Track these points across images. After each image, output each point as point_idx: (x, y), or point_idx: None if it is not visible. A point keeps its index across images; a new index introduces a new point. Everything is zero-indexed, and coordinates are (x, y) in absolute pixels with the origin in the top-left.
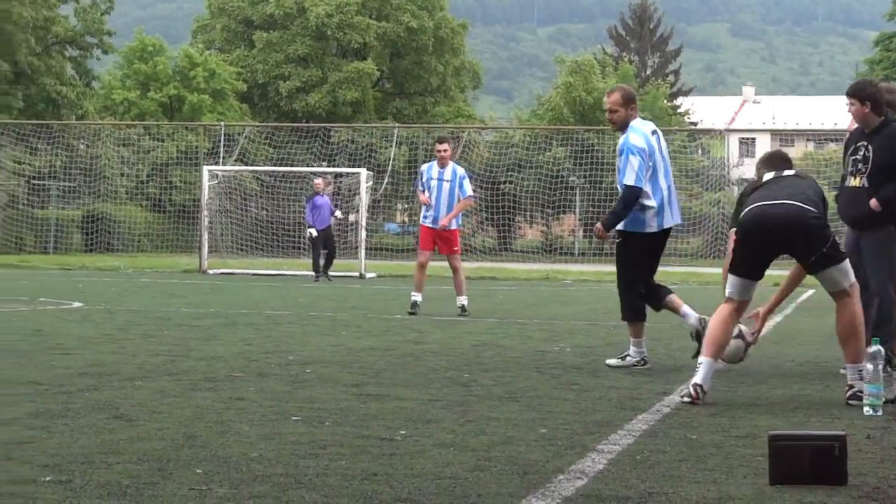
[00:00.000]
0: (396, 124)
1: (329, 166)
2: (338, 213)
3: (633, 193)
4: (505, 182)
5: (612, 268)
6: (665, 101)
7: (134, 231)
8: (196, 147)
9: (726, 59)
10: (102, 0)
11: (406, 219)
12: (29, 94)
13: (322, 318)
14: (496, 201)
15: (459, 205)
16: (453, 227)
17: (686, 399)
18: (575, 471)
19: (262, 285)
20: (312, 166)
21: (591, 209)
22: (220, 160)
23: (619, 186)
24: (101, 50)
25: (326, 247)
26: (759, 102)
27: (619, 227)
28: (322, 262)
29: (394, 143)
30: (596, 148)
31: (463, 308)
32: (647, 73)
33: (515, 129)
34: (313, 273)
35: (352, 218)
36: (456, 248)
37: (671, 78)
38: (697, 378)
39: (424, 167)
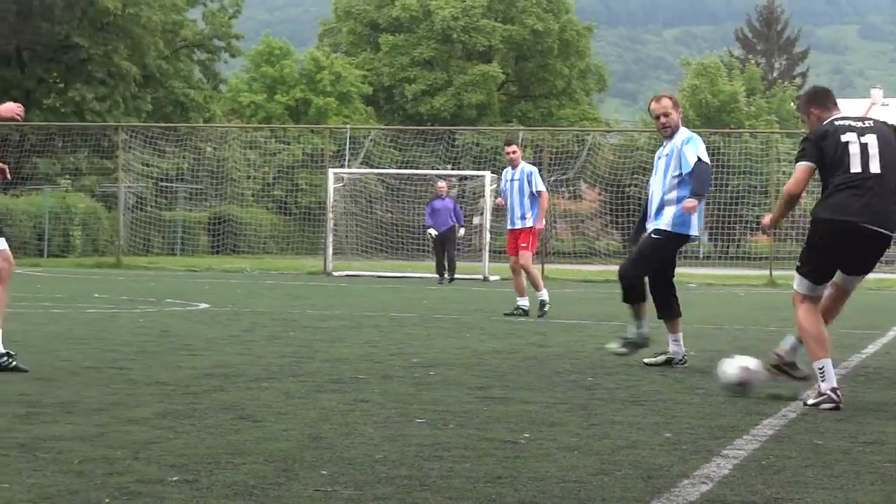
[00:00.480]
0: (521, 127)
1: (454, 169)
2: (461, 232)
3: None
4: (630, 185)
5: (739, 271)
6: (792, 104)
7: (260, 233)
8: (321, 150)
9: (854, 61)
10: (230, 4)
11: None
12: (157, 97)
13: (446, 321)
14: (620, 204)
15: (540, 206)
16: (527, 224)
17: (829, 406)
18: (700, 476)
19: (386, 287)
20: (437, 169)
21: (716, 212)
22: (346, 163)
23: (684, 177)
24: (228, 53)
25: (446, 250)
26: (887, 105)
27: (665, 226)
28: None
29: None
30: (722, 151)
31: (517, 308)
32: (774, 75)
33: (640, 132)
34: (437, 275)
35: (476, 221)
36: (524, 245)
37: (798, 80)
38: (831, 382)
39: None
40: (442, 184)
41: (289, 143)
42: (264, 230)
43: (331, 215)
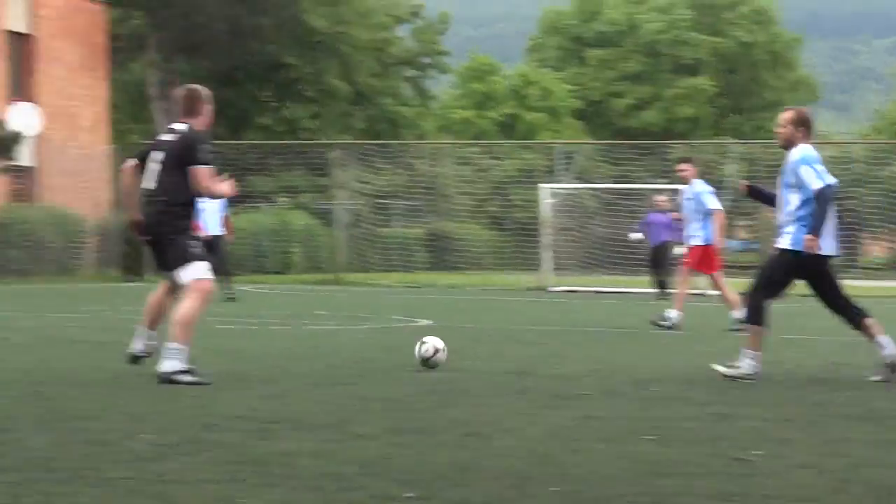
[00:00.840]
0: (733, 140)
1: (667, 183)
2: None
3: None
4: (847, 198)
5: None
6: None
7: (476, 249)
8: (533, 165)
9: None
10: (437, 20)
11: (747, 235)
12: (369, 114)
13: (669, 336)
14: (838, 217)
15: (716, 223)
16: (697, 242)
17: None
18: None
19: (605, 302)
20: (649, 183)
21: None
22: (558, 178)
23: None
24: (437, 70)
25: (656, 264)
26: None
27: (791, 245)
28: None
29: (732, 160)
30: None
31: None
32: None
33: (854, 144)
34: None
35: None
36: (687, 261)
37: None
38: None
39: None
40: (662, 198)
41: (501, 159)
42: (480, 246)
43: (547, 230)
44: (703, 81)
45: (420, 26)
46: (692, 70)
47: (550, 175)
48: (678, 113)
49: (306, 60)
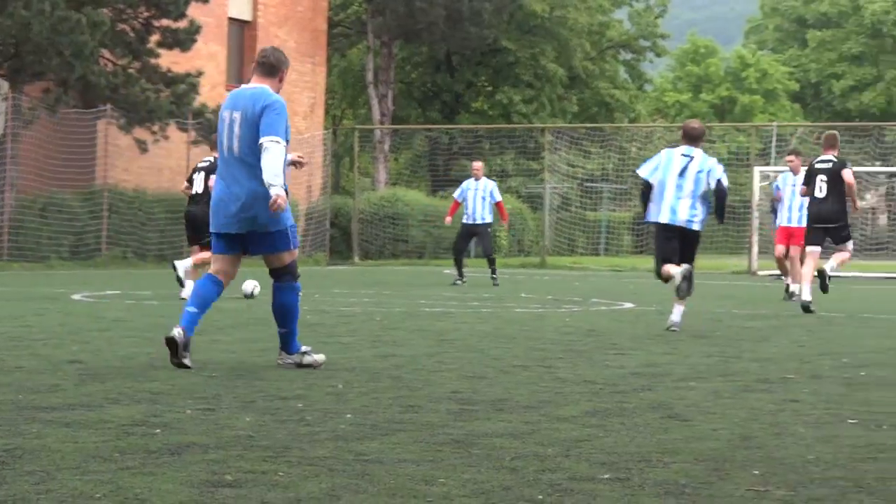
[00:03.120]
0: None
1: (883, 166)
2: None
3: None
4: None
5: None
6: None
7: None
8: (747, 148)
9: None
10: (656, 3)
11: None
12: (583, 97)
13: (876, 320)
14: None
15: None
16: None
17: None
18: None
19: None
20: (865, 166)
21: None
22: (772, 161)
23: None
24: (653, 53)
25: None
26: None
27: None
28: None
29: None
30: None
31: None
32: None
33: None
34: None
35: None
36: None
37: None
38: None
39: None
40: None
41: (714, 142)
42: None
43: (756, 214)
44: None
45: (638, 9)
46: None
47: (764, 158)
48: None
49: (523, 44)
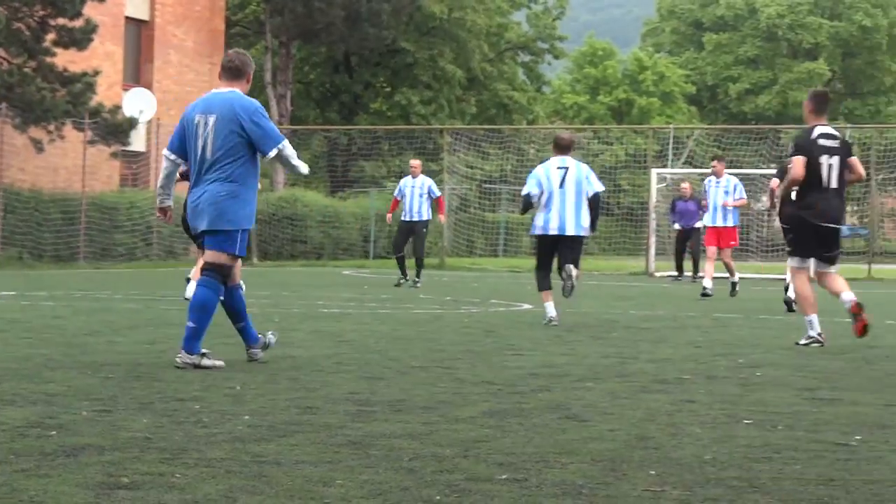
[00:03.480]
0: (848, 125)
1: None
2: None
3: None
4: None
5: None
6: None
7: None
8: (644, 150)
9: None
10: (554, 6)
11: (856, 221)
12: (481, 99)
13: (771, 321)
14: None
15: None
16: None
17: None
18: None
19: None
20: (760, 168)
21: None
22: (668, 163)
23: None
24: (551, 55)
25: (690, 248)
26: None
27: None
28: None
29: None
30: None
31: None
32: None
33: None
34: (675, 273)
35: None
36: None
37: None
38: None
39: None
40: (686, 185)
41: (611, 144)
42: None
43: (653, 216)
44: (819, 66)
45: (536, 11)
46: (810, 54)
47: (661, 160)
48: (793, 97)
49: (421, 45)
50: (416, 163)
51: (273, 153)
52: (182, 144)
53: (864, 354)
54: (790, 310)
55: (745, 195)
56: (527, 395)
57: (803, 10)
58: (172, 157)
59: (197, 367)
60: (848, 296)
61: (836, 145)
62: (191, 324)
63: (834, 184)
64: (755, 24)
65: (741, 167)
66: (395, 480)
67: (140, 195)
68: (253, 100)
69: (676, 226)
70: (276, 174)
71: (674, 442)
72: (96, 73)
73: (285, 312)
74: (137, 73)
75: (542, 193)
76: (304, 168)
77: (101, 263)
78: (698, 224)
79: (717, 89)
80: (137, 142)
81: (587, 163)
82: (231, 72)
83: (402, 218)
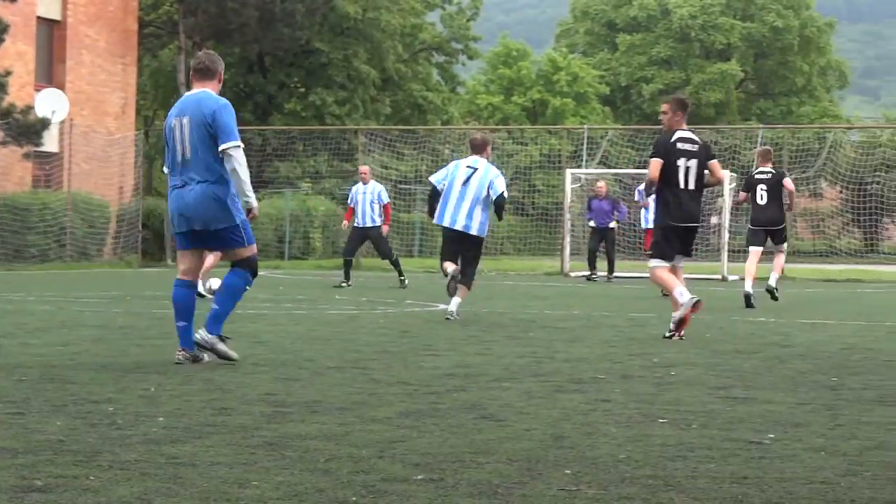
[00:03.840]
0: (760, 125)
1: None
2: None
3: None
4: (872, 183)
5: None
6: None
7: (497, 234)
8: (558, 151)
9: None
10: (468, 6)
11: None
12: (396, 99)
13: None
14: (862, 202)
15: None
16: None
17: None
18: None
19: (624, 287)
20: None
21: None
22: (583, 163)
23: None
24: (466, 55)
25: (606, 248)
26: None
27: None
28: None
29: (758, 145)
30: None
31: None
32: None
33: (883, 129)
34: (588, 271)
35: (714, 220)
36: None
37: None
38: None
39: None
40: (601, 184)
41: (526, 144)
42: (501, 231)
43: (568, 216)
44: (731, 66)
45: (450, 12)
46: (722, 55)
47: (576, 160)
48: (706, 98)
49: (335, 46)
50: (364, 169)
51: (223, 146)
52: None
53: (778, 353)
54: (749, 306)
55: None
56: (442, 395)
57: (716, 11)
58: (165, 170)
59: (212, 348)
60: (684, 294)
61: (695, 149)
62: (216, 306)
63: (691, 185)
64: (668, 24)
65: None
66: (310, 481)
67: (53, 196)
68: (221, 98)
69: (592, 223)
70: None
71: (589, 441)
72: (8, 73)
73: (200, 313)
74: (50, 73)
75: (444, 184)
76: (244, 177)
77: (14, 265)
78: (612, 224)
79: (631, 90)
80: (50, 142)
81: (502, 163)
82: (201, 73)
83: (355, 224)
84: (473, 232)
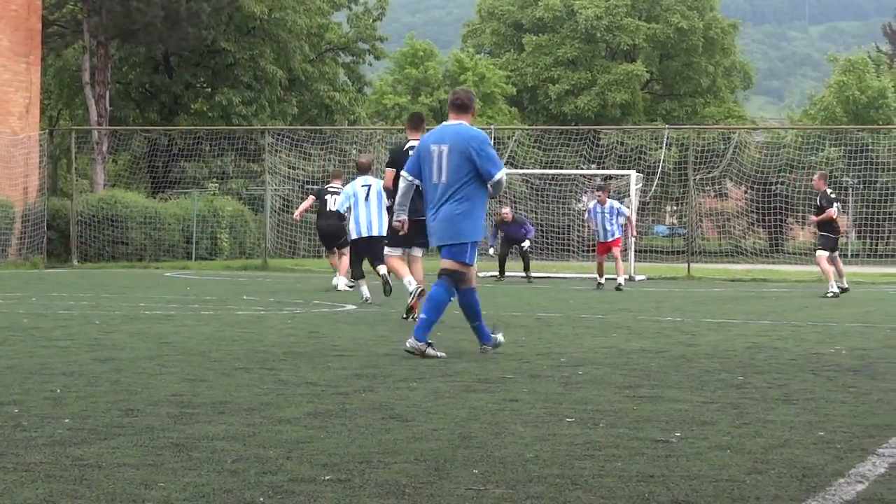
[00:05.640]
0: (666, 126)
1: (598, 168)
2: (526, 244)
3: None
4: (776, 183)
5: (888, 269)
6: None
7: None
8: None
9: None
10: (374, 6)
11: (675, 221)
12: (303, 100)
13: (593, 321)
14: (767, 203)
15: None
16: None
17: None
18: (855, 474)
19: (531, 288)
20: (581, 169)
21: (864, 210)
22: None
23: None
24: (372, 55)
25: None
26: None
27: None
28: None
29: (664, 145)
30: (870, 148)
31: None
32: None
33: (787, 130)
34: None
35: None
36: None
37: None
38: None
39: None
40: (506, 210)
41: None
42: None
43: None
44: (637, 67)
45: (357, 12)
46: (628, 56)
47: None
48: (612, 98)
49: (242, 46)
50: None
51: (497, 177)
52: (419, 168)
53: (684, 352)
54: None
55: (625, 212)
56: (350, 395)
57: (620, 13)
58: (410, 178)
59: (423, 354)
60: (412, 283)
61: None
62: (423, 315)
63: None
64: (574, 25)
65: (562, 167)
66: (217, 482)
67: None
68: (480, 130)
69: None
70: (95, 175)
71: (497, 441)
72: None
73: (106, 314)
74: None
75: (350, 208)
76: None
77: None
78: (526, 244)
79: (538, 90)
80: None
81: None
82: (459, 107)
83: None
84: (383, 233)
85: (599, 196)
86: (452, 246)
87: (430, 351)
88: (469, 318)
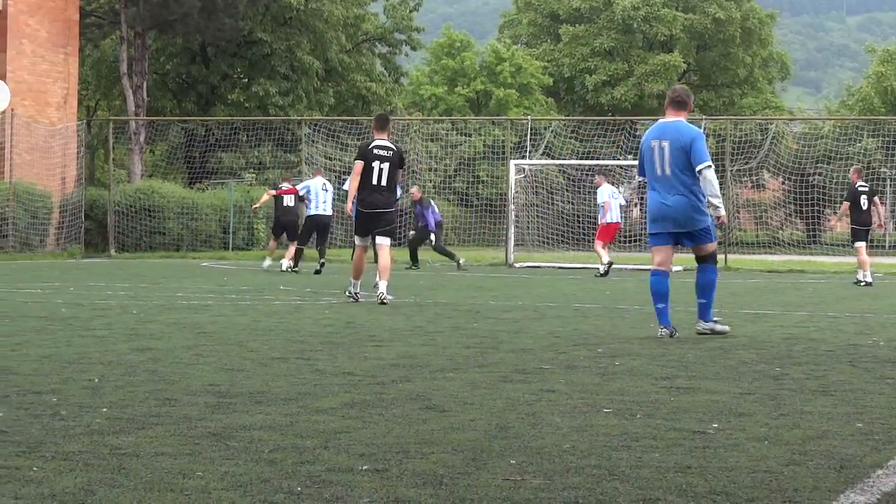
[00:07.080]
0: (703, 116)
1: (634, 159)
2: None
3: None
4: (814, 174)
5: None
6: None
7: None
8: (503, 141)
9: None
10: None
11: (711, 212)
12: (339, 90)
13: (630, 311)
14: (804, 194)
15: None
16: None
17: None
18: (894, 466)
19: (567, 278)
20: (618, 159)
21: None
22: (527, 154)
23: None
24: (409, 46)
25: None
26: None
27: None
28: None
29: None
30: None
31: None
32: None
33: (825, 121)
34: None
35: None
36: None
37: None
38: None
39: None
40: (415, 189)
41: (470, 136)
42: (446, 222)
43: (512, 207)
44: (674, 58)
45: (393, 2)
46: (665, 46)
47: (520, 151)
48: (648, 89)
49: (278, 36)
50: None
51: (699, 167)
52: (642, 167)
53: (721, 343)
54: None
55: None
56: (387, 385)
57: (658, 3)
58: (639, 178)
59: (713, 332)
60: (384, 284)
61: (388, 155)
62: (702, 300)
63: (383, 182)
64: (610, 16)
65: (599, 158)
66: (255, 472)
67: None
68: (695, 127)
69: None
70: (132, 165)
71: (534, 431)
72: None
73: (143, 304)
74: None
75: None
76: (714, 190)
77: None
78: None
79: (574, 81)
80: None
81: (446, 154)
82: (677, 104)
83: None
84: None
85: (598, 180)
86: (698, 233)
87: (718, 327)
88: (699, 295)
